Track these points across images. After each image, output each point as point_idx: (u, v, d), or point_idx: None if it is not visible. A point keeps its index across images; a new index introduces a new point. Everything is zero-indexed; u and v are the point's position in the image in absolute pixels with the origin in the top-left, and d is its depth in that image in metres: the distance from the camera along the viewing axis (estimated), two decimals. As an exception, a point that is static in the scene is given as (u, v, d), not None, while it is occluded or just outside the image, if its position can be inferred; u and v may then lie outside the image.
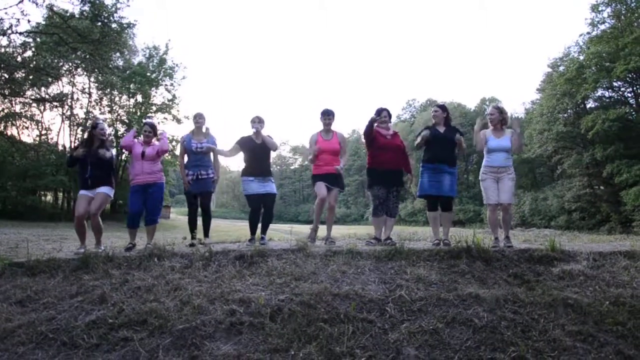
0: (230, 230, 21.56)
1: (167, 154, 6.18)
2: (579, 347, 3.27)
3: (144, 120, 6.63)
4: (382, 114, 6.01)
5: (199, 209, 6.33)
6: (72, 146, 5.90)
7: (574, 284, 4.22)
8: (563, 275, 4.38)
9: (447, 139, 5.72)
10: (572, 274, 4.38)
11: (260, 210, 6.07)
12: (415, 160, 6.10)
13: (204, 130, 6.29)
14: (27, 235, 13.80)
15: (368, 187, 6.04)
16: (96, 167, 5.66)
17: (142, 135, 6.10)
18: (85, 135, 6.09)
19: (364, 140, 6.25)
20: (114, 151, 6.12)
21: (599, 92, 33.30)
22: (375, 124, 5.92)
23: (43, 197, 30.51)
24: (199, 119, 6.30)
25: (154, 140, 6.12)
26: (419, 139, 5.83)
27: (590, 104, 34.96)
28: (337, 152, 6.07)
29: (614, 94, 33.75)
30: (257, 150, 6.04)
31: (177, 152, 32.47)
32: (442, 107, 5.94)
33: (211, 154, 6.28)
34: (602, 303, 3.79)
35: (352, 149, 64.66)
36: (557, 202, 36.11)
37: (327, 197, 5.94)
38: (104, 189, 5.68)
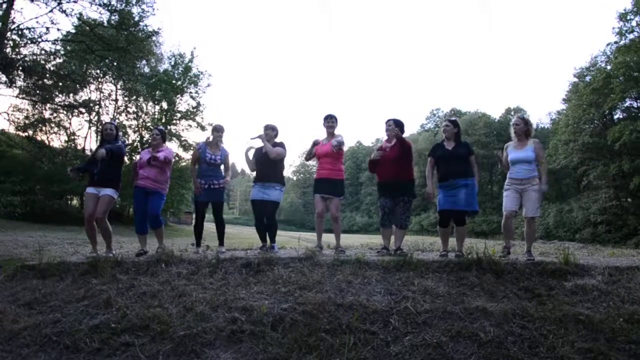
0: (251, 237, 21.66)
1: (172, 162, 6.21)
2: (588, 366, 3.16)
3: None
4: (386, 124, 5.97)
5: (212, 218, 6.33)
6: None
7: (587, 299, 4.07)
8: (576, 290, 4.24)
9: (456, 156, 5.58)
10: (586, 289, 4.23)
11: (264, 218, 6.08)
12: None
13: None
14: (52, 239, 14.17)
15: (378, 197, 5.99)
16: (105, 163, 5.76)
17: (151, 143, 6.22)
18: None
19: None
20: (125, 148, 6.19)
21: (627, 103, 32.34)
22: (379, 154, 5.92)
23: (69, 202, 31.19)
24: (218, 132, 6.30)
25: (163, 146, 6.21)
26: (428, 174, 5.83)
27: (617, 115, 33.99)
28: (336, 155, 6.04)
29: (642, 104, 32.82)
30: (260, 157, 6.11)
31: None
32: (454, 122, 5.81)
33: (225, 165, 6.31)
34: (615, 320, 3.64)
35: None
36: (582, 215, 35.13)
37: (329, 207, 5.99)
38: (108, 191, 5.76)
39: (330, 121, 6.16)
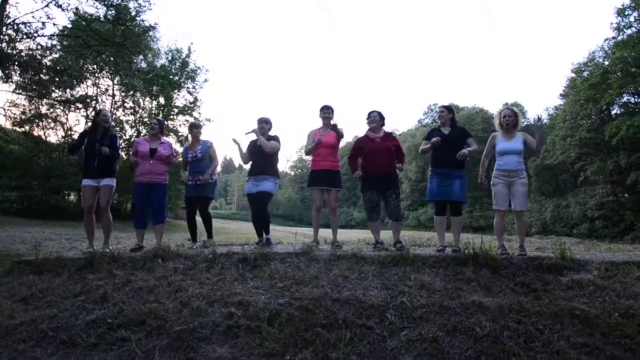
0: (249, 233, 21.66)
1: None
2: (584, 360, 3.16)
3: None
4: (371, 115, 6.00)
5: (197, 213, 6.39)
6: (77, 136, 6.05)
7: (583, 294, 4.07)
8: (572, 285, 4.23)
9: (452, 140, 5.57)
10: (582, 284, 4.23)
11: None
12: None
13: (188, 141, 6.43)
14: (49, 234, 14.14)
15: (361, 191, 5.97)
16: (104, 157, 5.72)
17: (148, 133, 6.21)
18: (89, 124, 6.18)
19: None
20: (120, 141, 6.17)
21: (625, 98, 32.39)
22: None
23: (67, 197, 31.07)
24: (197, 128, 6.46)
25: (162, 139, 6.22)
26: (424, 145, 5.77)
27: (615, 110, 34.03)
28: (334, 147, 6.08)
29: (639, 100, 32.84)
30: (253, 151, 6.13)
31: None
32: (448, 108, 5.83)
33: (211, 156, 6.34)
34: (610, 315, 3.65)
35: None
36: (579, 210, 35.22)
37: (327, 200, 6.01)
38: (108, 181, 5.74)
39: (326, 112, 6.14)
